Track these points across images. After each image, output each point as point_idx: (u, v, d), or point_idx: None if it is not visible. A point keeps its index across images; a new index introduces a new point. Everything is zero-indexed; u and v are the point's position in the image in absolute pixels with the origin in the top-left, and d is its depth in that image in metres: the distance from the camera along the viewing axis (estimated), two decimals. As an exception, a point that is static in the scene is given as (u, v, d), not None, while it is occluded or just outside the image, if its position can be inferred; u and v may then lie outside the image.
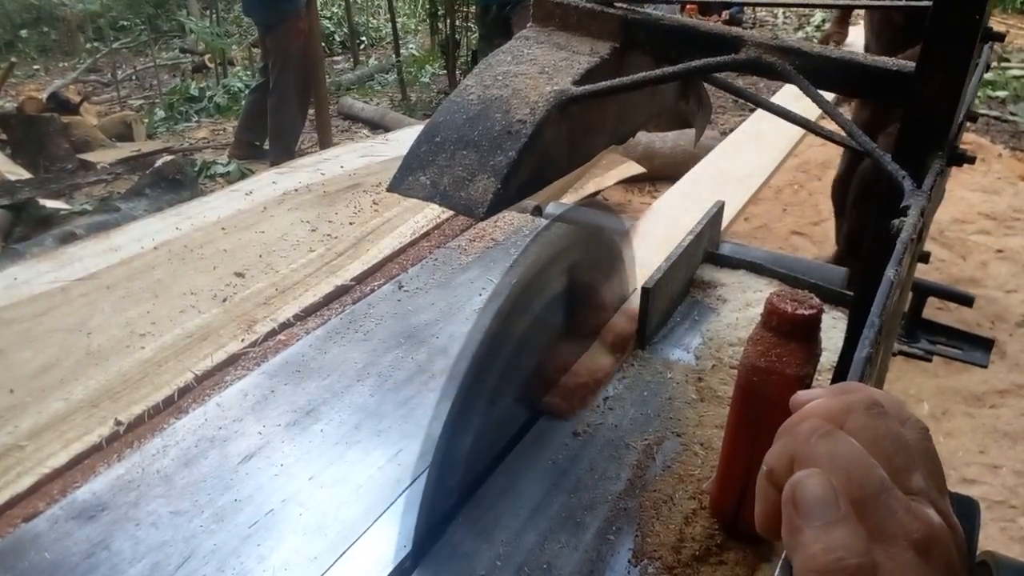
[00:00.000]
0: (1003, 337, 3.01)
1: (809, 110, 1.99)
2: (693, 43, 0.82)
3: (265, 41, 4.74)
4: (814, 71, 0.75)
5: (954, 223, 3.92)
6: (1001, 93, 5.85)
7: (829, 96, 0.77)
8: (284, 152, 4.58)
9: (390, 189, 0.72)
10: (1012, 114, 5.50)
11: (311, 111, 5.00)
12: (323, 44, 7.94)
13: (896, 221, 0.59)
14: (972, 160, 0.74)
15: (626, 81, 0.76)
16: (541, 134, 0.72)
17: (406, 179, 0.73)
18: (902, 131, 0.70)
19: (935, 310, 2.67)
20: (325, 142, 4.90)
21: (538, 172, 0.75)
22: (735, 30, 0.82)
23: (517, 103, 0.74)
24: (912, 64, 0.70)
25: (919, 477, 0.35)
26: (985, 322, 3.11)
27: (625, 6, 0.86)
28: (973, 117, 0.88)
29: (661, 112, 1.00)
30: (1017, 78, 6.06)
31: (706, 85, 1.00)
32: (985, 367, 1.28)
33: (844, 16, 3.16)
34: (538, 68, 0.79)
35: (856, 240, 2.92)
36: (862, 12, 2.85)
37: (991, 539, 2.10)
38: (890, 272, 0.51)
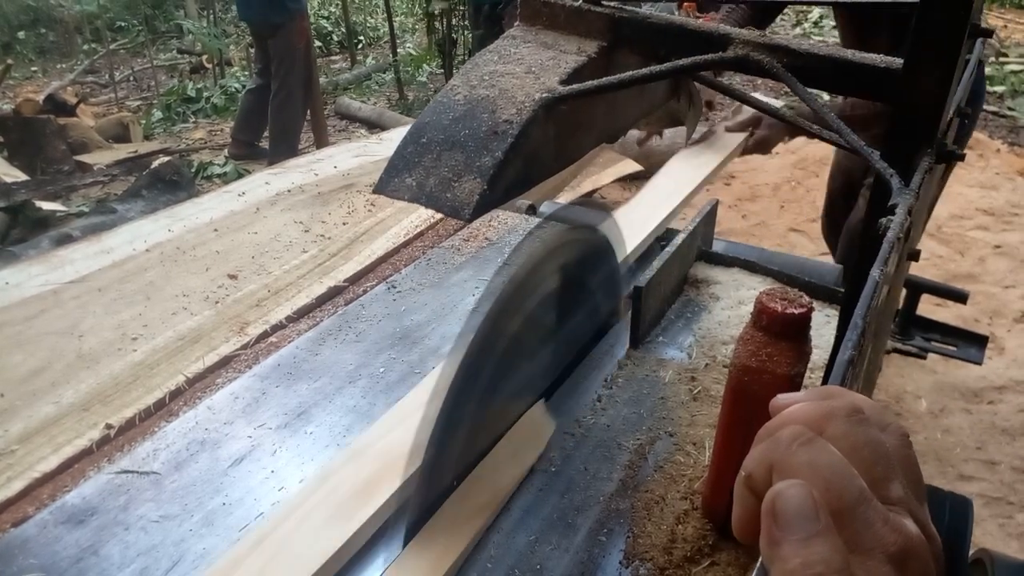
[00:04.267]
0: (1001, 333, 3.00)
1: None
2: (681, 41, 0.81)
3: (267, 43, 4.72)
4: (802, 69, 0.75)
5: (952, 219, 3.92)
6: (999, 88, 5.85)
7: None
8: (288, 152, 4.59)
9: (376, 191, 0.72)
10: (1010, 109, 5.49)
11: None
12: (320, 44, 7.94)
13: (883, 220, 0.59)
14: (962, 158, 0.74)
15: (614, 80, 0.76)
16: (528, 134, 0.72)
17: (392, 180, 0.72)
18: (890, 129, 0.69)
19: (933, 306, 2.67)
20: (321, 142, 4.91)
21: (525, 172, 0.75)
22: (723, 28, 0.82)
23: (504, 103, 0.74)
24: (900, 61, 0.70)
25: (898, 486, 0.34)
26: (983, 318, 3.11)
27: (613, 4, 0.85)
28: (964, 114, 0.87)
29: (651, 110, 1.00)
30: (1015, 73, 6.05)
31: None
32: (980, 363, 1.28)
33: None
34: (525, 67, 0.79)
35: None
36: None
37: (989, 536, 2.10)
38: (875, 272, 0.51)
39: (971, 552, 0.89)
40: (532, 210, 1.68)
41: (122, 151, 5.07)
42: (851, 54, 0.75)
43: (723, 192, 4.24)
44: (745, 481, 0.37)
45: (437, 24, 6.42)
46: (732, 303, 1.27)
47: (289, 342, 1.22)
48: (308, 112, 4.99)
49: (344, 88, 6.75)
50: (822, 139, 0.78)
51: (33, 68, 8.37)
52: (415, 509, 0.82)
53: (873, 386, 1.22)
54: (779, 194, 4.25)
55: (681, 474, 0.93)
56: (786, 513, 0.32)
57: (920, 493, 0.36)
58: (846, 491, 0.32)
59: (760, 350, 0.76)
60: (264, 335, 1.26)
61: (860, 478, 0.33)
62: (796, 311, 0.74)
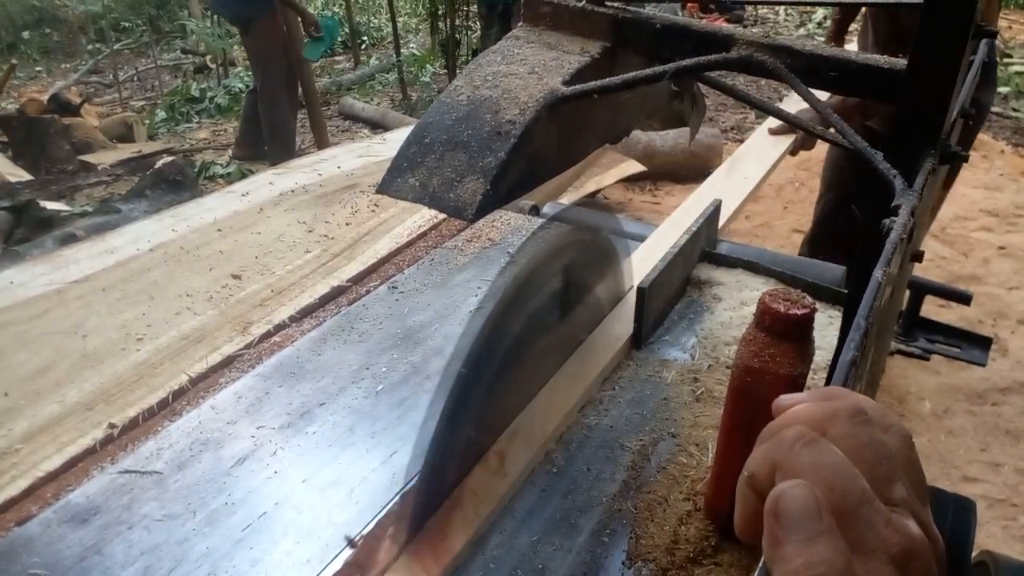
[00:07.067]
0: (1005, 334, 2.99)
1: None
2: (685, 42, 0.81)
3: (245, 43, 4.64)
4: (805, 69, 0.75)
5: (956, 220, 3.90)
6: (1003, 89, 5.83)
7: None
8: (284, 151, 4.56)
9: (379, 191, 0.72)
10: (1015, 110, 5.48)
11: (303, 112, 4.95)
12: (323, 44, 7.93)
13: (887, 221, 0.59)
14: (966, 159, 0.73)
15: (617, 81, 0.76)
16: (531, 134, 0.72)
17: (395, 181, 0.72)
18: (894, 130, 0.69)
19: (937, 308, 2.66)
20: (321, 142, 4.90)
21: (528, 173, 0.75)
22: (727, 28, 0.82)
23: (507, 103, 0.74)
24: (904, 62, 0.70)
25: (901, 487, 0.34)
26: (987, 319, 3.10)
27: (617, 5, 0.85)
28: (967, 115, 0.87)
29: (654, 111, 1.00)
30: (1019, 74, 6.04)
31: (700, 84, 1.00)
32: (984, 365, 1.27)
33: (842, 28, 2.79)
34: (528, 68, 0.79)
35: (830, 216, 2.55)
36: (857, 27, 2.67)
37: (993, 537, 2.09)
38: (878, 273, 0.50)
39: (974, 554, 0.89)
40: (535, 211, 1.69)
41: (126, 151, 5.08)
42: (855, 55, 0.75)
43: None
44: (748, 481, 0.37)
45: (441, 24, 6.42)
46: (735, 304, 1.27)
47: (292, 342, 1.22)
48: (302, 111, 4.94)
49: (348, 88, 6.75)
50: (825, 139, 0.78)
51: (37, 68, 8.39)
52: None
53: (876, 388, 1.21)
54: (782, 195, 4.25)
55: (684, 475, 0.93)
56: (789, 513, 0.32)
57: (922, 494, 0.36)
58: (849, 492, 0.32)
59: (763, 351, 0.76)
60: (267, 335, 1.26)
61: (863, 479, 0.33)
62: (799, 312, 0.74)
